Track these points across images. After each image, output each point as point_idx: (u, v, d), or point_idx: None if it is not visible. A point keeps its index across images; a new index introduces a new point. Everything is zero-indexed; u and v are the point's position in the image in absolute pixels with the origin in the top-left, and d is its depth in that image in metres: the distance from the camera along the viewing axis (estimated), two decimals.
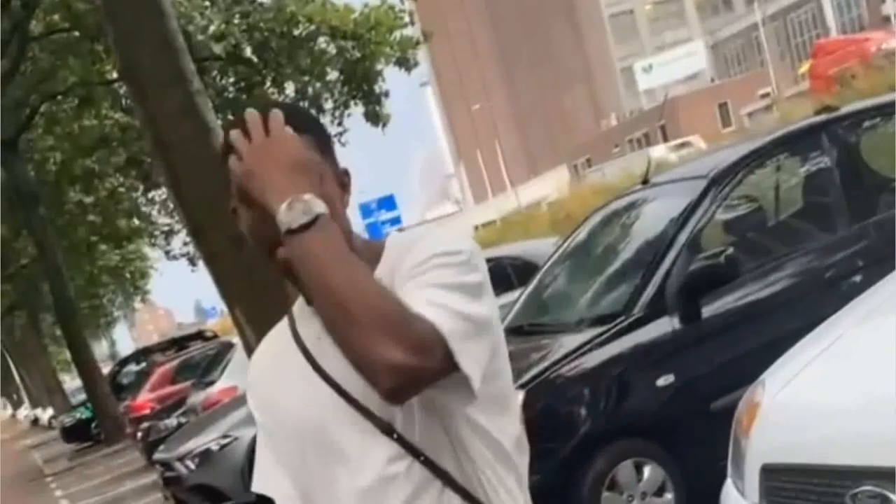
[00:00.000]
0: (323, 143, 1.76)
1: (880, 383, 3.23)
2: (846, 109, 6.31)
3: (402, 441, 1.68)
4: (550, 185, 47.37)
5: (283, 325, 1.87)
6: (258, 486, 1.86)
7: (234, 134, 1.64)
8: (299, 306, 1.85)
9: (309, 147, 1.69)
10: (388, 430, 1.68)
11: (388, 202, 43.97)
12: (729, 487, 3.69)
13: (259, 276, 7.49)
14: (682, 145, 38.46)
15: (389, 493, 1.68)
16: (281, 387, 1.79)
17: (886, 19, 48.81)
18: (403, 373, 1.51)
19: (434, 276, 1.61)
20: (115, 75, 18.80)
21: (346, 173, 1.78)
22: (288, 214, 1.55)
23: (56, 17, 21.14)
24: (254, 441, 2.00)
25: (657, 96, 60.86)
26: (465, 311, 1.59)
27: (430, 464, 1.69)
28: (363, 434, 1.68)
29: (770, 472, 3.36)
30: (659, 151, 32.23)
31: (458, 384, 1.58)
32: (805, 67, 36.42)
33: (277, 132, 1.63)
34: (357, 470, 1.69)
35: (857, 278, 5.36)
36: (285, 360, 1.79)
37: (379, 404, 1.64)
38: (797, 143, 6.23)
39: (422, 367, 1.52)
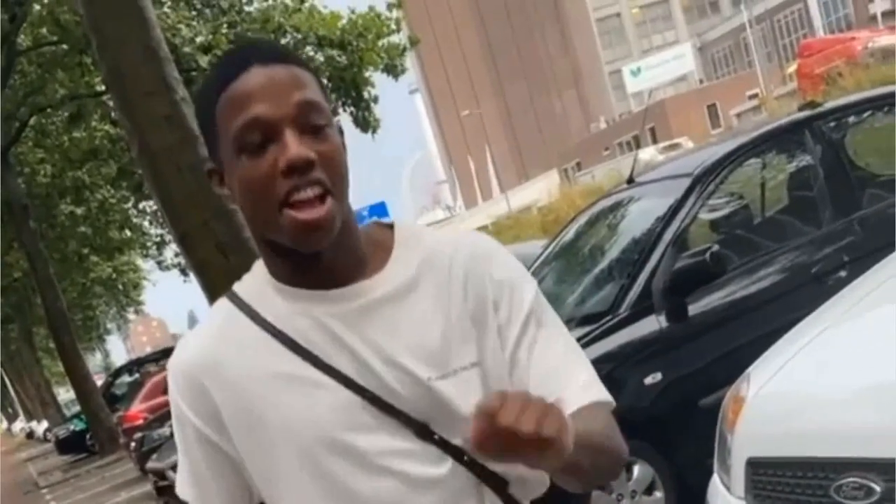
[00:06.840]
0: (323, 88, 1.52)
1: (863, 376, 3.24)
2: (829, 105, 6.31)
3: (442, 442, 1.49)
4: (541, 190, 47.40)
5: (224, 320, 1.56)
6: None
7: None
8: (258, 295, 1.54)
9: (318, 89, 1.47)
10: (423, 430, 1.49)
11: (379, 209, 43.82)
12: (715, 483, 3.69)
13: None
14: (672, 147, 38.50)
15: (425, 500, 1.48)
16: (265, 395, 1.49)
17: (874, 18, 48.95)
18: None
19: (555, 335, 1.67)
20: (103, 87, 18.80)
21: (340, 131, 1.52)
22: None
23: (43, 30, 21.13)
24: None
25: (646, 99, 60.96)
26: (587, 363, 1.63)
27: (474, 465, 1.50)
28: (391, 437, 1.48)
29: (755, 466, 3.36)
30: (648, 153, 32.23)
31: None
32: (793, 67, 36.56)
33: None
34: (384, 477, 1.47)
35: (843, 273, 5.36)
36: (259, 365, 1.50)
37: (411, 404, 1.47)
38: (781, 139, 6.22)
39: None
